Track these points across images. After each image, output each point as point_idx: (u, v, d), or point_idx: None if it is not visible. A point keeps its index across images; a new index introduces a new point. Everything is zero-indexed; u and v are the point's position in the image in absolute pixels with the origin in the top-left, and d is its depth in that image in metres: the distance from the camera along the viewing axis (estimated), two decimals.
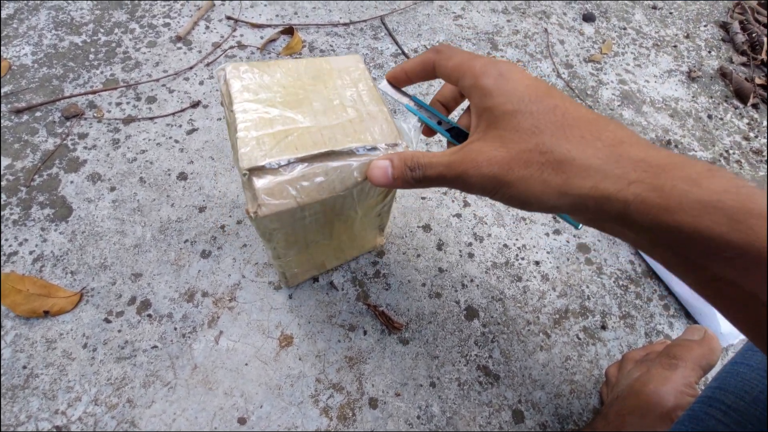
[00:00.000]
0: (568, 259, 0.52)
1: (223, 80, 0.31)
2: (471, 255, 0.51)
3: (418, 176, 0.26)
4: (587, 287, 0.51)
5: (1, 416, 0.38)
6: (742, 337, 0.47)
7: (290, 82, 0.32)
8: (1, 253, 0.46)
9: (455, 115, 0.60)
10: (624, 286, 0.51)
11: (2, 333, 0.42)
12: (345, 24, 0.71)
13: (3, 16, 0.65)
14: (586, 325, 0.48)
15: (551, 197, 0.21)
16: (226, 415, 0.40)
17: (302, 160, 0.28)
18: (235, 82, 0.31)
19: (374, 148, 0.30)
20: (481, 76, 0.24)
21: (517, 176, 0.21)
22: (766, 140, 0.68)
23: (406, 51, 0.69)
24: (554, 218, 0.55)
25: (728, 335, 0.48)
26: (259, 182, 0.28)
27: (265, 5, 0.72)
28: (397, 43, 0.69)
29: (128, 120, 0.57)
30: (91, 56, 0.62)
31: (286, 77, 0.32)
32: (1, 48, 0.61)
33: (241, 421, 0.40)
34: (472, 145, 0.24)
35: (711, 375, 0.44)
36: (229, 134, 0.34)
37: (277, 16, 0.71)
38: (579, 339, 0.47)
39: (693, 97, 0.72)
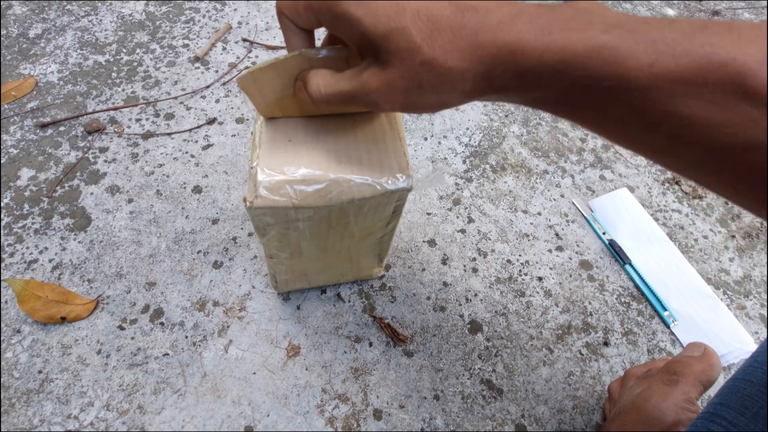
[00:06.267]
0: (570, 276, 0.53)
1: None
2: (475, 270, 0.52)
3: (324, 100, 0.27)
4: (590, 303, 0.51)
5: (8, 419, 0.39)
6: (743, 356, 0.48)
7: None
8: (1, 258, 0.47)
9: None
10: (626, 303, 0.52)
11: (20, 338, 0.43)
12: None
13: (31, 35, 0.68)
14: (589, 341, 0.49)
15: (454, 101, 0.23)
16: (234, 423, 0.41)
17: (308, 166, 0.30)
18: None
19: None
20: (334, 6, 0.23)
21: (417, 95, 0.23)
22: (766, 159, 0.69)
23: None
24: (557, 235, 0.56)
25: (728, 355, 0.48)
26: (261, 175, 0.29)
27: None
28: None
29: (147, 135, 0.59)
30: (114, 74, 0.65)
31: None
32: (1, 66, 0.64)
33: (248, 429, 0.40)
34: (371, 70, 0.23)
35: (713, 391, 0.44)
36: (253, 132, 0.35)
37: None
38: (582, 355, 0.48)
39: None
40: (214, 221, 0.52)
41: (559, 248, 0.55)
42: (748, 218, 0.61)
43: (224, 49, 0.70)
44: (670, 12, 0.88)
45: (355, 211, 0.33)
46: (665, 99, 0.17)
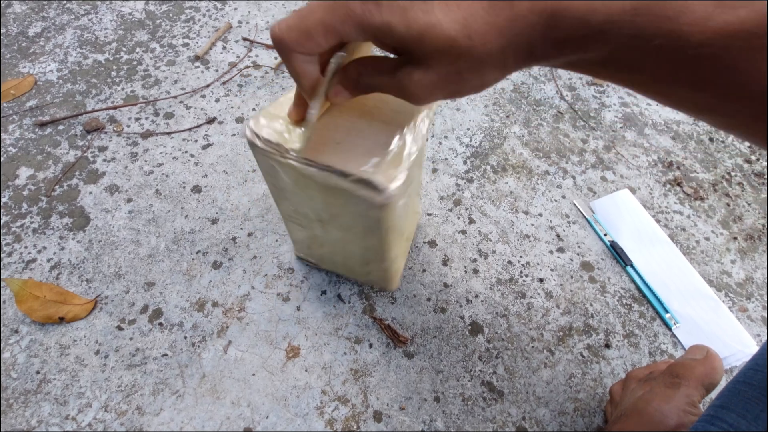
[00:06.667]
0: (571, 277, 0.53)
1: (256, 137, 0.31)
2: (476, 271, 0.52)
3: (367, 91, 0.26)
4: (591, 305, 0.51)
5: (6, 420, 0.39)
6: (745, 358, 0.47)
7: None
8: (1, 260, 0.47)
9: None
10: (628, 305, 0.52)
11: (18, 338, 0.43)
12: None
13: (30, 34, 0.68)
14: (590, 343, 0.49)
15: (500, 75, 0.22)
16: (233, 424, 0.40)
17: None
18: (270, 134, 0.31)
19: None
20: (362, 21, 0.21)
21: (458, 85, 0.22)
22: (766, 163, 0.69)
23: None
24: (558, 236, 0.56)
25: (730, 357, 0.48)
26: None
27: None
28: None
29: (146, 134, 0.59)
30: (113, 73, 0.65)
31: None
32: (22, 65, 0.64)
33: (247, 430, 0.40)
34: (408, 70, 0.22)
35: (715, 394, 0.44)
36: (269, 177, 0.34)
37: None
38: (583, 357, 0.47)
39: (694, 120, 0.74)
40: (214, 221, 0.52)
41: (560, 249, 0.55)
42: (750, 220, 0.61)
43: (224, 48, 0.70)
44: None
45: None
46: (722, 55, 0.16)
